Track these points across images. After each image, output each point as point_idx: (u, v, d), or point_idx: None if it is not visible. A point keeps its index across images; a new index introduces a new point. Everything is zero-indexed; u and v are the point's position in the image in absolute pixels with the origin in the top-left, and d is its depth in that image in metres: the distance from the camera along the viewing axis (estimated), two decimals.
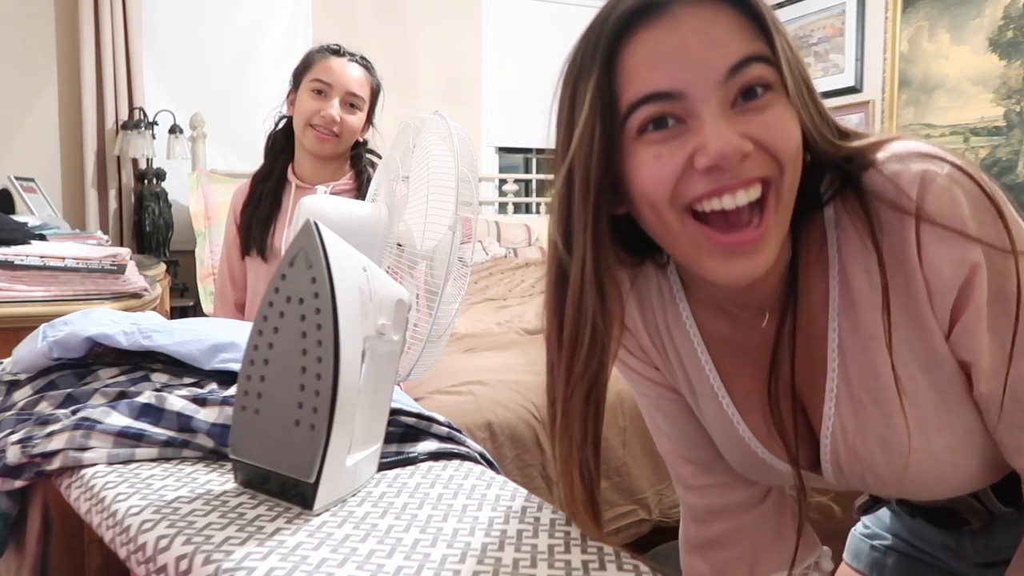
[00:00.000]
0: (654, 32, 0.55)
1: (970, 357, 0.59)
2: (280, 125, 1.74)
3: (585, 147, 0.57)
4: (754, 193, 0.56)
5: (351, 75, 1.64)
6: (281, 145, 1.73)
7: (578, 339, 0.60)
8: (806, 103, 0.57)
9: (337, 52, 1.66)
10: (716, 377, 0.72)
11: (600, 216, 0.59)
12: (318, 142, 1.62)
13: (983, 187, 0.57)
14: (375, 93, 1.70)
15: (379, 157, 1.74)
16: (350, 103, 1.63)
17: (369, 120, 1.71)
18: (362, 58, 1.68)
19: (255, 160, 1.80)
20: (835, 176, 0.62)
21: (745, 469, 0.76)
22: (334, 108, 1.61)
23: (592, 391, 0.62)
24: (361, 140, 1.72)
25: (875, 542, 0.92)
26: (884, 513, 0.92)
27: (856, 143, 0.61)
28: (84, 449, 0.67)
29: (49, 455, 0.67)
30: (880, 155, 0.60)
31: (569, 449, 0.62)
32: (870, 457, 0.65)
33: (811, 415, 0.69)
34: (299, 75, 1.67)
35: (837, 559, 0.94)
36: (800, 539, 0.73)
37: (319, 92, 1.62)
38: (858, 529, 0.96)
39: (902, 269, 0.59)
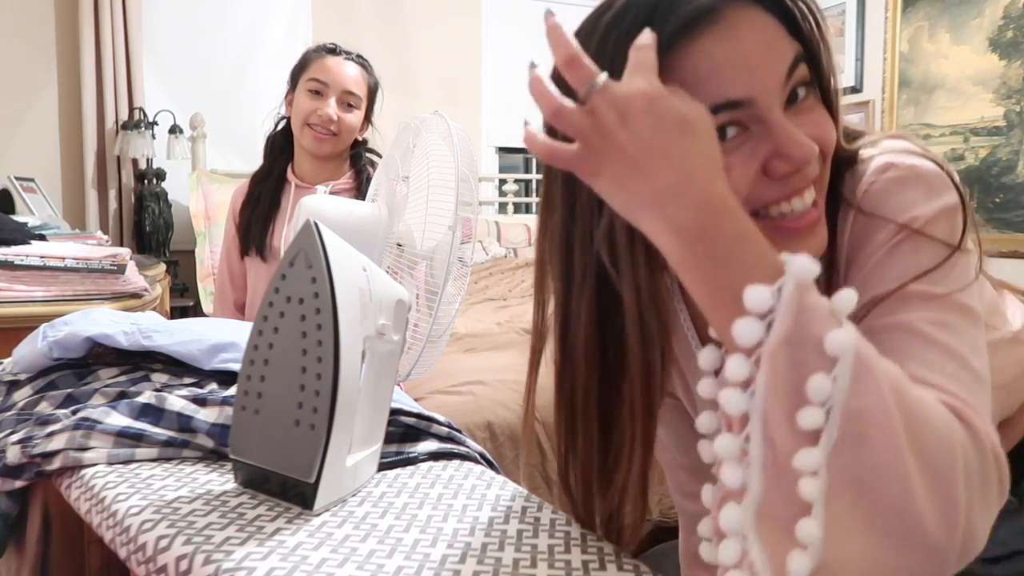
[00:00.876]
0: (713, 40, 0.53)
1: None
2: (279, 126, 1.74)
3: None
4: (813, 191, 0.56)
5: (347, 74, 1.63)
6: (280, 146, 1.73)
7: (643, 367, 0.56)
8: (837, 101, 0.58)
9: (333, 51, 1.66)
10: None
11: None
12: (316, 142, 1.62)
13: (955, 184, 0.56)
14: (372, 91, 1.70)
15: (379, 156, 1.75)
16: (347, 102, 1.63)
17: (368, 118, 1.71)
18: (359, 56, 1.68)
19: (255, 160, 1.80)
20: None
21: None
22: (331, 107, 1.61)
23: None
24: (360, 139, 1.71)
25: None
26: None
27: (857, 142, 0.61)
28: (84, 449, 0.67)
29: (49, 455, 0.67)
30: (864, 151, 0.60)
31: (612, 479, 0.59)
32: None
33: None
34: (296, 75, 1.67)
35: None
36: None
37: (316, 92, 1.62)
38: None
39: (839, 255, 0.59)
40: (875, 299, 0.53)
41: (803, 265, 0.41)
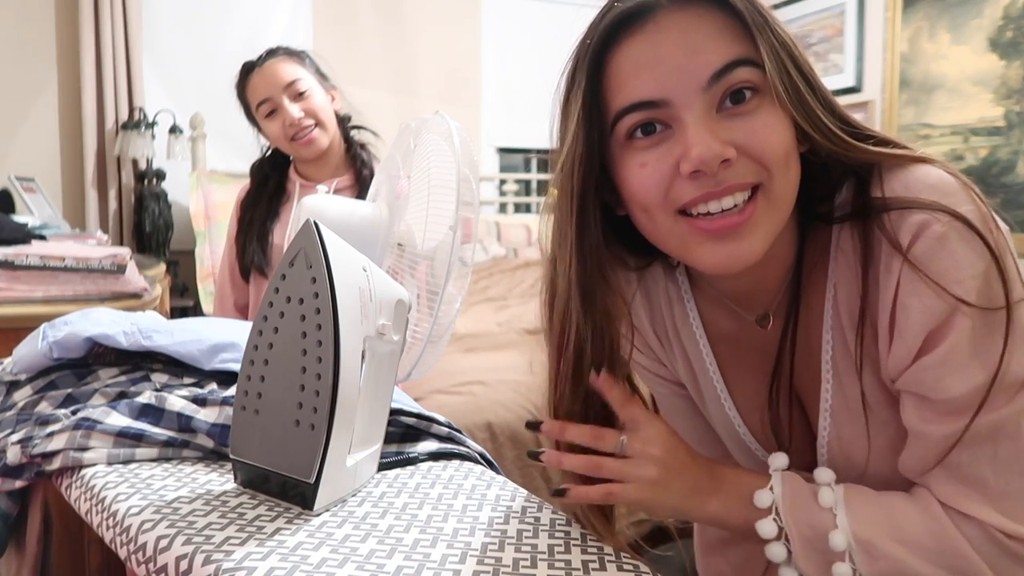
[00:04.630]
0: (638, 41, 0.56)
1: (930, 394, 0.57)
2: (267, 153, 1.77)
3: (571, 155, 0.59)
4: (740, 197, 0.56)
5: (274, 75, 1.64)
6: (266, 171, 1.75)
7: (565, 345, 0.62)
8: (805, 102, 0.56)
9: (249, 71, 1.67)
10: (720, 379, 0.72)
11: (586, 221, 0.60)
12: (308, 145, 1.63)
13: (986, 240, 0.54)
14: (307, 62, 1.69)
15: (374, 134, 1.77)
16: (296, 92, 1.63)
17: (327, 85, 1.70)
18: (267, 52, 1.68)
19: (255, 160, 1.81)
20: (851, 197, 0.61)
21: (750, 468, 0.77)
22: (291, 111, 1.61)
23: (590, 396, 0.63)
24: (339, 113, 1.71)
25: None
26: None
27: (876, 148, 0.59)
28: (84, 449, 0.67)
29: (49, 455, 0.67)
30: (897, 186, 0.57)
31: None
32: (864, 464, 0.65)
33: (811, 419, 0.69)
34: (248, 114, 1.71)
35: None
36: None
37: (271, 111, 1.63)
38: None
39: (882, 302, 0.58)
40: (977, 389, 0.54)
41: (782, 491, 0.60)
